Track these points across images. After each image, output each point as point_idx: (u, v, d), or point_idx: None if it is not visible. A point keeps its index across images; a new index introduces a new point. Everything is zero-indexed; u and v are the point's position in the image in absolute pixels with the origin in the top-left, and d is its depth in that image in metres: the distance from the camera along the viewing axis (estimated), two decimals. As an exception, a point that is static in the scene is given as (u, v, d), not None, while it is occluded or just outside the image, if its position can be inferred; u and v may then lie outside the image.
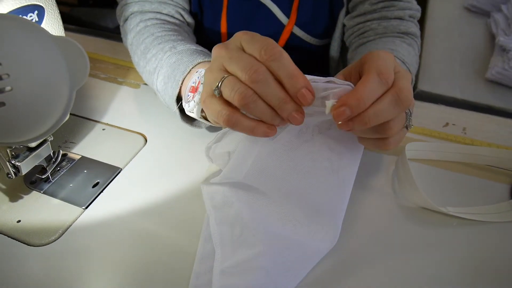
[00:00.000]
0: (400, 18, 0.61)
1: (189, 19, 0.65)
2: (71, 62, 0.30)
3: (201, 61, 0.49)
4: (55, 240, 0.41)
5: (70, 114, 0.58)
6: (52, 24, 0.37)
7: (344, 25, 0.66)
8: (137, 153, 0.52)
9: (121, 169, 0.50)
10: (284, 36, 0.68)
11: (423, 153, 0.51)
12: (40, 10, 0.35)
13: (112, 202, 0.46)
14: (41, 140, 0.41)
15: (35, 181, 0.47)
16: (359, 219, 0.44)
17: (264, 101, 0.32)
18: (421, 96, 0.64)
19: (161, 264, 0.39)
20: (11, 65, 0.26)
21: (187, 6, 0.65)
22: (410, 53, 0.58)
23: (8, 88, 0.26)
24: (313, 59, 0.74)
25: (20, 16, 0.29)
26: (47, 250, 0.41)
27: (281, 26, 0.67)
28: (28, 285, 0.37)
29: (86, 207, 0.45)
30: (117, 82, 0.65)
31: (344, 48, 0.70)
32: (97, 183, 0.48)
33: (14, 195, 0.46)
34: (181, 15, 0.64)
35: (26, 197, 0.46)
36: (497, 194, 0.48)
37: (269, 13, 0.66)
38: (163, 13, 0.61)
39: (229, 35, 0.69)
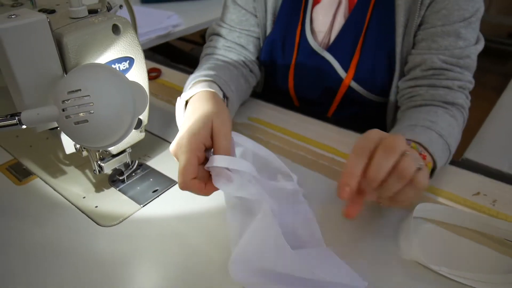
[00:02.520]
0: (449, 88, 0.66)
1: (253, 68, 0.79)
2: (137, 98, 0.44)
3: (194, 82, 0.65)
4: (116, 225, 0.56)
5: (153, 135, 0.75)
6: (138, 70, 0.53)
7: (398, 86, 0.73)
8: (193, 172, 0.65)
9: (176, 183, 0.63)
10: (342, 89, 0.77)
11: (433, 214, 0.54)
12: (130, 61, 0.51)
13: (163, 206, 0.59)
14: (119, 150, 0.57)
15: (115, 180, 0.63)
16: (354, 260, 0.49)
17: None
18: (464, 164, 0.66)
19: (190, 265, 0.50)
20: (95, 95, 0.41)
21: (252, 57, 0.80)
22: (451, 125, 0.62)
23: (91, 111, 0.41)
24: (370, 113, 0.81)
25: (109, 65, 0.44)
26: (109, 230, 0.55)
27: (340, 80, 0.76)
28: (94, 253, 0.51)
29: (143, 206, 0.59)
30: (196, 115, 0.81)
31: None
32: (156, 190, 0.61)
33: (98, 188, 0.62)
34: (244, 63, 0.78)
35: (106, 190, 0.62)
36: (503, 267, 0.49)
37: (331, 69, 0.76)
38: (227, 57, 0.77)
39: (295, 85, 0.81)
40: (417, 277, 0.47)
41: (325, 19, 0.74)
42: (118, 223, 0.56)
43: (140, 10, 1.33)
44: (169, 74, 0.99)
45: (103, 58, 0.48)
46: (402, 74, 0.72)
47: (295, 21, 0.77)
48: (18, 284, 0.47)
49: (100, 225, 0.56)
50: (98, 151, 0.56)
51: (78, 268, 0.49)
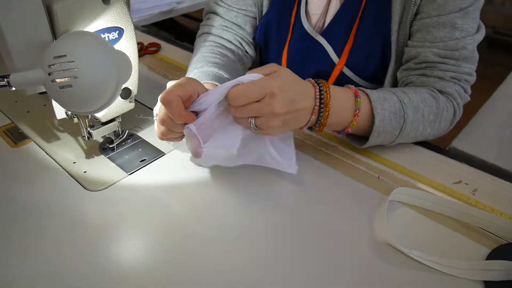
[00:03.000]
0: (440, 78, 0.66)
1: (248, 49, 0.80)
2: (121, 67, 0.45)
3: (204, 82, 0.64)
4: (102, 190, 0.58)
5: (146, 107, 0.76)
6: (128, 41, 0.54)
7: (394, 75, 0.73)
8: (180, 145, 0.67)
9: (164, 154, 0.65)
10: (334, 74, 0.77)
11: (410, 199, 0.56)
12: (120, 31, 0.52)
13: (149, 175, 0.61)
14: (108, 118, 0.58)
15: (105, 148, 0.65)
16: (324, 239, 0.51)
17: None
18: (451, 153, 0.67)
19: (170, 234, 0.52)
20: (80, 61, 0.42)
21: (248, 37, 0.80)
22: (424, 101, 0.61)
23: (76, 76, 0.42)
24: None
25: (96, 34, 0.45)
26: (96, 195, 0.57)
27: (333, 65, 0.77)
28: (80, 215, 0.54)
29: (130, 174, 0.61)
30: (191, 90, 0.82)
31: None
32: (144, 160, 0.63)
33: (89, 155, 0.64)
34: (240, 44, 0.79)
35: (96, 157, 0.64)
36: (475, 255, 0.49)
37: (324, 52, 0.76)
38: (223, 38, 0.77)
39: (288, 66, 0.81)
40: (387, 258, 0.49)
41: (320, 2, 0.74)
42: (105, 189, 0.58)
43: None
44: (168, 49, 1.00)
45: (92, 27, 0.49)
46: (398, 63, 0.72)
47: (291, 2, 0.77)
48: (4, 242, 0.50)
49: (87, 189, 0.58)
50: (87, 117, 0.57)
51: (63, 229, 0.52)
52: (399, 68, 0.71)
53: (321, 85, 0.55)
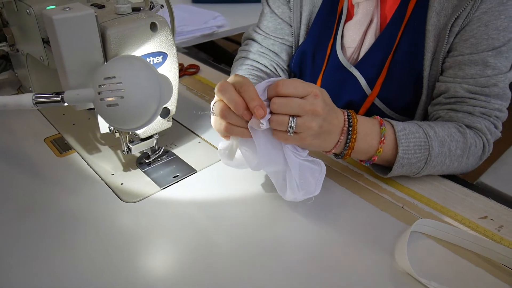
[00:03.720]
0: (469, 113, 0.66)
1: (282, 75, 0.83)
2: (163, 89, 0.50)
3: None
4: (137, 202, 0.62)
5: (182, 126, 0.81)
6: (170, 65, 0.58)
7: (425, 108, 0.74)
8: (213, 164, 0.70)
9: (196, 171, 0.68)
10: (366, 105, 0.79)
11: (434, 231, 0.56)
12: (164, 56, 0.57)
13: (181, 191, 0.64)
14: (147, 135, 0.63)
15: (142, 163, 0.69)
16: (345, 266, 0.52)
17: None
18: (478, 188, 0.67)
19: (197, 248, 0.55)
20: (127, 83, 0.46)
21: (283, 64, 0.84)
22: (451, 136, 0.62)
23: (122, 96, 0.47)
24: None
25: (143, 58, 0.50)
26: (130, 206, 0.61)
27: (365, 96, 0.78)
28: (114, 224, 0.58)
29: (163, 188, 0.64)
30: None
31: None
32: (177, 176, 0.67)
33: (126, 168, 0.69)
34: (275, 69, 0.83)
35: (132, 171, 0.68)
36: (495, 291, 0.49)
37: (357, 84, 0.78)
38: (260, 63, 0.81)
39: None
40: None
41: (356, 35, 0.77)
42: (139, 201, 0.62)
43: (189, 9, 1.41)
44: (206, 71, 1.05)
45: (140, 51, 0.54)
46: (430, 97, 0.73)
47: (328, 34, 0.80)
48: (44, 243, 0.54)
49: (123, 201, 0.62)
50: (128, 133, 0.62)
51: (97, 236, 0.55)
52: (430, 104, 0.72)
53: (348, 111, 0.58)
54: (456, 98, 0.67)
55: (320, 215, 0.59)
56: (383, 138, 0.59)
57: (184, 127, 0.81)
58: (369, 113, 0.80)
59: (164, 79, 0.50)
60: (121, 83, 0.47)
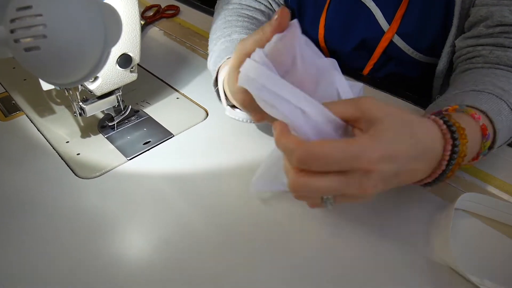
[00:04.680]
0: None
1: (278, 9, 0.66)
2: (108, 26, 0.34)
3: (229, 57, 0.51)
4: (94, 177, 0.48)
5: (157, 78, 0.66)
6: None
7: (454, 45, 0.59)
8: (193, 126, 0.56)
9: (173, 136, 0.54)
10: (382, 44, 0.64)
11: (480, 207, 0.43)
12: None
13: (152, 161, 0.50)
14: (104, 91, 0.48)
15: (104, 126, 0.55)
16: (372, 259, 0.40)
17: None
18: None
19: (169, 232, 0.42)
20: (50, 15, 0.31)
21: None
22: None
23: (44, 34, 0.31)
24: (414, 74, 0.67)
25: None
26: (87, 183, 0.47)
27: (381, 32, 0.63)
28: (66, 206, 0.44)
29: (130, 159, 0.51)
30: (210, 60, 0.70)
31: (451, 68, 0.62)
32: (148, 142, 0.53)
33: (85, 133, 0.55)
34: (270, 4, 0.66)
35: (93, 137, 0.54)
36: None
37: (371, 17, 0.63)
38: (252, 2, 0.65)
39: (326, 35, 0.68)
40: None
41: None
42: (98, 176, 0.48)
43: None
44: (188, 13, 0.88)
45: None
46: (461, 32, 0.57)
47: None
48: (-29, 235, 0.41)
49: (78, 176, 0.48)
50: (78, 89, 0.47)
51: (47, 221, 0.43)
52: (460, 36, 0.56)
53: (454, 129, 0.36)
54: (503, 27, 0.51)
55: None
56: (476, 116, 0.40)
57: (159, 79, 0.66)
58: (386, 54, 0.65)
59: (109, 10, 0.35)
60: (40, 15, 0.32)
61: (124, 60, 0.47)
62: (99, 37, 0.34)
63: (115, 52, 0.46)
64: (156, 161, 0.51)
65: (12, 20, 0.32)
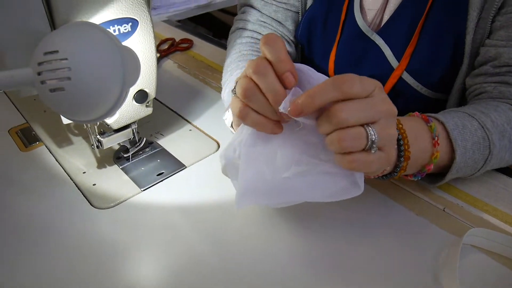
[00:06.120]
0: None
1: (289, 48, 0.69)
2: (127, 67, 0.37)
3: None
4: (110, 207, 0.50)
5: (171, 110, 0.68)
6: (144, 35, 0.45)
7: (464, 82, 0.60)
8: (206, 157, 0.58)
9: (185, 167, 0.56)
10: (392, 80, 0.65)
11: (489, 243, 0.43)
12: (134, 23, 0.43)
13: (165, 192, 0.52)
14: (120, 125, 0.50)
15: (120, 157, 0.57)
16: None
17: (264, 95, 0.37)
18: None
19: (181, 263, 0.43)
20: (74, 59, 0.34)
21: (289, 35, 0.70)
22: (510, 122, 0.49)
23: (69, 76, 0.34)
24: (423, 110, 0.68)
25: (100, 25, 0.37)
26: (103, 213, 0.49)
27: (390, 69, 0.65)
28: (81, 235, 0.46)
29: (144, 190, 0.52)
30: (222, 93, 0.73)
31: (461, 104, 0.63)
32: (162, 173, 0.55)
33: (101, 164, 0.57)
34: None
35: (108, 168, 0.56)
36: None
37: (380, 54, 0.65)
38: (261, 34, 0.67)
39: (336, 70, 0.70)
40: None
41: (379, -6, 0.62)
42: (113, 207, 0.50)
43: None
44: (201, 46, 0.91)
45: (100, 17, 0.41)
46: (472, 68, 0.59)
47: (342, -6, 0.66)
48: (-9, 264, 0.43)
49: (94, 206, 0.50)
50: (96, 124, 0.49)
51: (62, 250, 0.44)
52: (470, 74, 0.58)
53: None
54: (509, 67, 0.53)
55: (336, 222, 0.47)
56: (436, 139, 0.44)
57: (173, 111, 0.68)
58: (395, 91, 0.66)
59: (128, 52, 0.37)
60: (66, 59, 0.34)
61: (141, 96, 0.49)
62: (119, 79, 0.36)
63: (133, 88, 0.48)
64: (168, 192, 0.52)
65: (40, 63, 0.35)
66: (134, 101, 0.49)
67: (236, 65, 0.61)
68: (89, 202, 0.51)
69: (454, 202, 0.49)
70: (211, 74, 0.79)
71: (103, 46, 0.35)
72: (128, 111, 0.50)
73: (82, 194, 0.52)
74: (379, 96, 0.36)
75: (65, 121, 0.50)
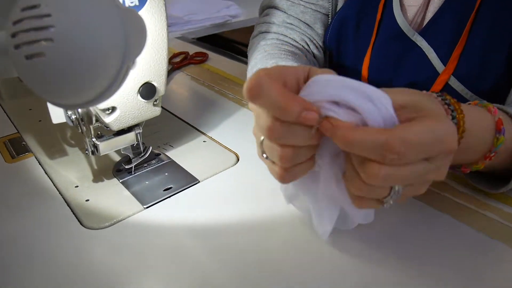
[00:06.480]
0: None
1: (317, 53, 0.62)
2: (130, 33, 0.28)
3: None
4: (105, 228, 0.40)
5: (183, 121, 0.59)
6: (154, 13, 0.37)
7: None
8: (222, 171, 0.48)
9: (198, 181, 0.46)
10: (437, 87, 0.56)
11: None
12: (142, -6, 0.36)
13: (172, 210, 0.42)
14: (121, 126, 0.41)
15: (120, 170, 0.48)
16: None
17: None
18: None
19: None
20: (60, 16, 0.26)
21: (317, 39, 0.63)
22: None
23: (51, 38, 0.25)
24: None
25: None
26: (94, 234, 0.39)
27: (435, 74, 0.56)
28: (73, 261, 0.36)
29: (147, 207, 0.43)
30: (241, 104, 0.64)
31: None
32: (170, 188, 0.45)
33: (98, 177, 0.47)
34: (308, 45, 0.61)
35: (106, 181, 0.47)
36: None
37: (423, 58, 0.56)
38: (288, 37, 0.60)
39: (371, 77, 0.62)
40: None
41: (421, -11, 0.55)
42: (107, 227, 0.40)
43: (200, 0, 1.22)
44: (216, 60, 0.84)
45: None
46: None
47: (378, -10, 0.58)
48: None
49: (84, 226, 0.40)
50: (91, 122, 0.41)
51: (44, 273, 0.34)
52: None
53: (444, 97, 0.34)
54: None
55: (381, 245, 0.36)
56: (493, 109, 0.37)
57: (184, 122, 0.60)
58: (441, 99, 0.57)
59: (132, 15, 0.29)
60: (49, 15, 0.26)
61: (147, 90, 0.41)
62: (118, 46, 0.28)
63: (137, 79, 0.40)
64: (177, 210, 0.42)
65: (15, 22, 0.26)
66: (139, 96, 0.41)
67: (261, 63, 0.53)
68: (79, 221, 0.41)
69: (538, 224, 0.39)
70: (228, 86, 0.71)
71: (97, 2, 0.27)
72: (132, 108, 0.41)
73: (72, 211, 0.42)
74: (436, 163, 0.29)
75: (55, 119, 0.41)
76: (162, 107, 0.46)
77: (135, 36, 0.29)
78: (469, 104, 0.38)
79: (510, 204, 0.41)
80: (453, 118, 0.33)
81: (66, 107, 0.36)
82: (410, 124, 0.28)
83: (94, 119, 0.41)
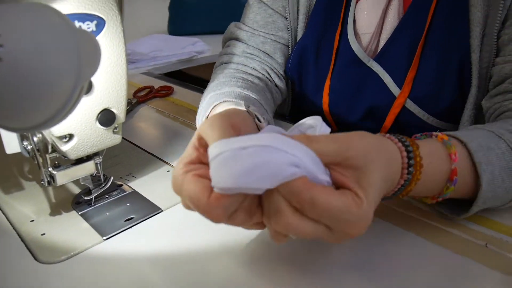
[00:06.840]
0: None
1: (278, 82, 0.64)
2: (84, 54, 0.28)
3: (219, 102, 0.50)
4: (60, 262, 0.38)
5: (147, 152, 0.58)
6: (112, 38, 0.37)
7: (476, 107, 0.54)
8: (186, 199, 0.47)
9: (161, 210, 0.45)
10: (394, 110, 0.59)
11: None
12: (99, 22, 0.36)
13: (134, 240, 0.41)
14: (80, 154, 0.40)
15: (80, 202, 0.46)
16: None
17: None
18: None
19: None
20: (10, 35, 0.25)
21: (278, 68, 0.65)
22: None
23: None
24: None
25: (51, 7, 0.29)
26: (49, 269, 0.37)
27: (392, 98, 0.58)
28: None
29: (107, 238, 0.41)
30: (206, 134, 0.64)
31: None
32: (131, 218, 0.44)
33: (56, 210, 0.46)
34: (268, 74, 0.63)
35: (64, 214, 0.45)
36: None
37: (379, 82, 0.59)
38: (248, 66, 0.62)
39: (331, 104, 0.63)
40: None
41: (372, 18, 0.58)
42: (63, 261, 0.38)
43: (166, 38, 1.23)
44: (181, 93, 0.84)
45: (56, 8, 0.33)
46: (483, 90, 0.53)
47: (334, 21, 0.61)
48: None
49: (38, 261, 0.38)
50: (47, 151, 0.39)
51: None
52: (486, 96, 0.52)
53: (407, 144, 0.35)
54: None
55: (356, 271, 0.36)
56: (454, 157, 0.36)
57: (148, 153, 0.59)
58: (398, 122, 0.60)
59: (85, 36, 0.29)
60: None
61: (106, 117, 0.40)
62: (71, 67, 0.28)
63: (96, 106, 0.39)
64: (139, 240, 0.41)
65: (-37, 44, 0.26)
66: (97, 123, 0.40)
67: (208, 92, 0.55)
68: (33, 255, 0.39)
69: (497, 237, 0.40)
70: (193, 117, 0.70)
71: (50, 22, 0.27)
72: (90, 135, 0.40)
73: (26, 246, 0.40)
74: (341, 226, 0.29)
75: (9, 149, 0.40)
76: (125, 138, 0.45)
77: (88, 56, 0.29)
78: (437, 136, 0.39)
79: (474, 221, 0.42)
80: (409, 166, 0.34)
81: (16, 131, 0.35)
82: (330, 190, 0.28)
83: (50, 148, 0.40)
